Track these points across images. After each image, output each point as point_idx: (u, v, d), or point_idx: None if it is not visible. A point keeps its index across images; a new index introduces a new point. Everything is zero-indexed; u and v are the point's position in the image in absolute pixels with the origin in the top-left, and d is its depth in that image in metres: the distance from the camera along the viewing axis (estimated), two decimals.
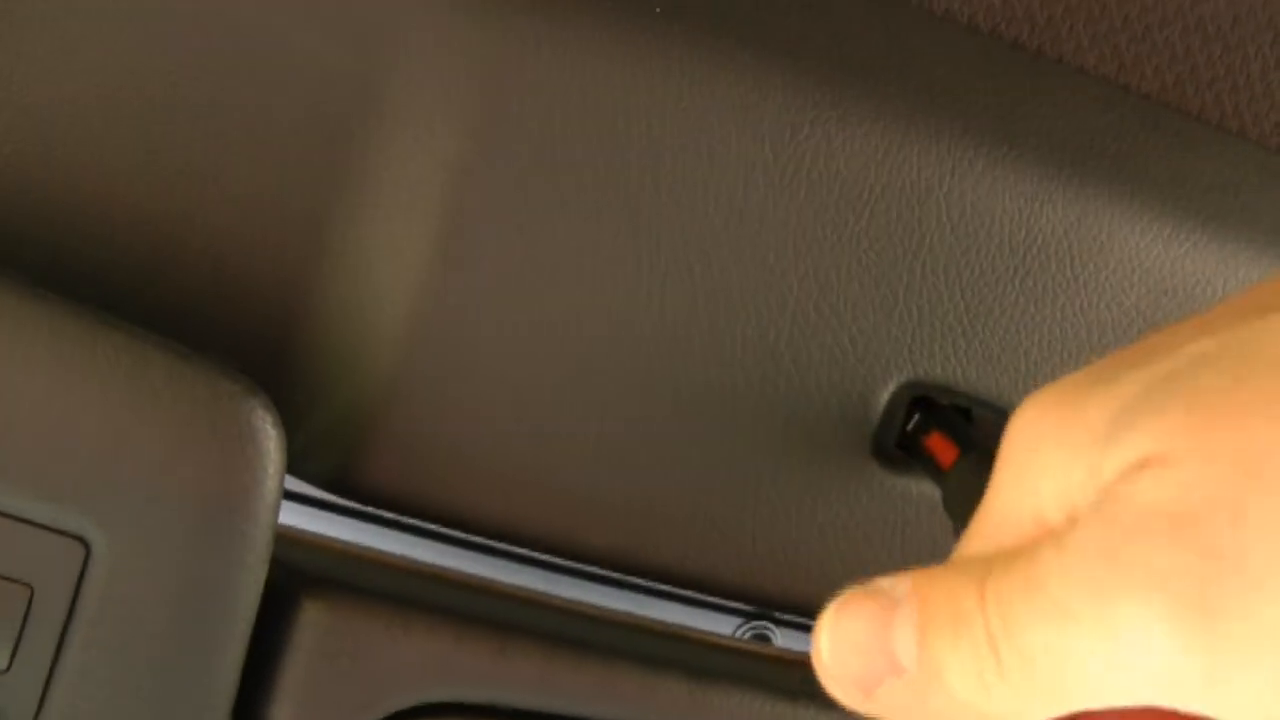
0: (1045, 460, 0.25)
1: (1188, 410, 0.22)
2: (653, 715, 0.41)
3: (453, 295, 0.38)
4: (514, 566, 0.44)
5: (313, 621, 0.38)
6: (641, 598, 0.46)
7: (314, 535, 0.43)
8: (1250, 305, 0.23)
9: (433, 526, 0.43)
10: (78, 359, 0.34)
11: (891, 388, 0.42)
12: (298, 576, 0.39)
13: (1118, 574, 0.22)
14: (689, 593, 0.45)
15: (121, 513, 0.34)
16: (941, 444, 0.41)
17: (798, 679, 0.44)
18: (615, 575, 0.45)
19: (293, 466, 0.40)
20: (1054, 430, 0.25)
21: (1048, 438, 0.25)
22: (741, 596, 0.43)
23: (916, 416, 0.42)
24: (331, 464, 0.40)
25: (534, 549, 0.42)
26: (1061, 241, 0.43)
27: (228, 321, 0.38)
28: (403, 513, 0.40)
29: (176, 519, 0.35)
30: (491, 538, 0.41)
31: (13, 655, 0.33)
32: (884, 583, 0.26)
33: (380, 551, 0.43)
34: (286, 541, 0.40)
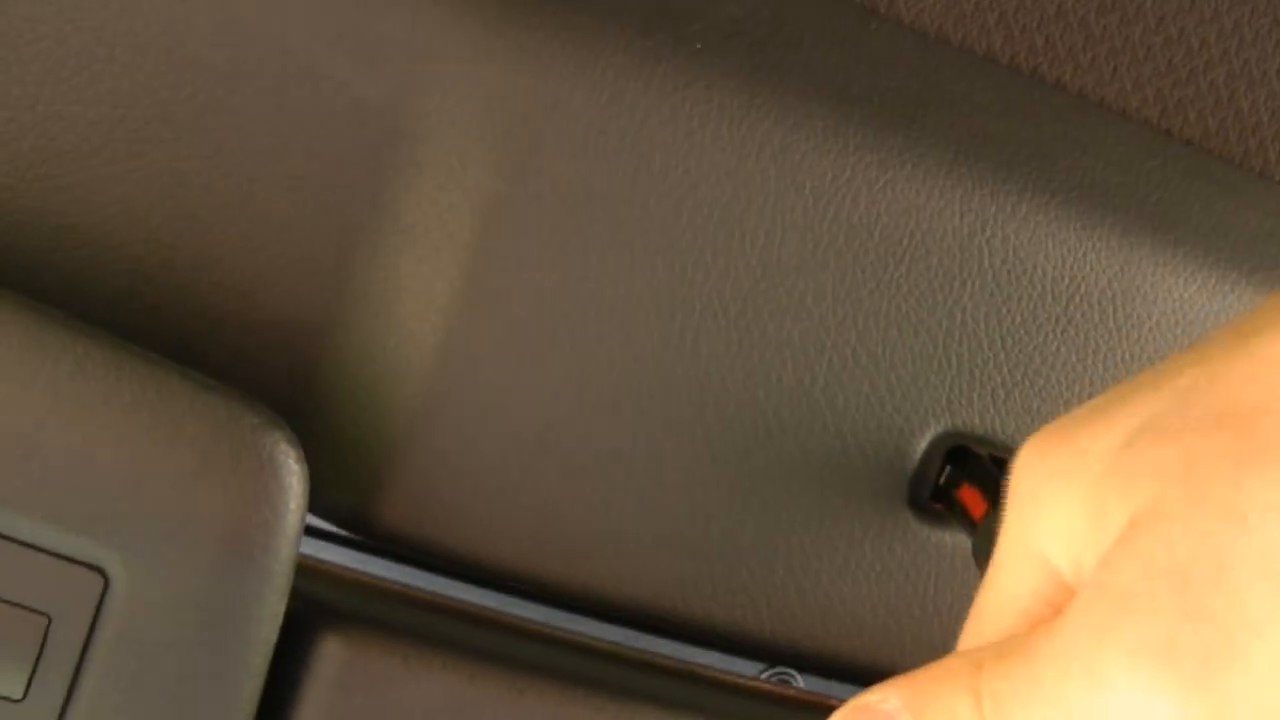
0: (1048, 505, 0.24)
1: (1177, 456, 0.22)
2: None
3: (478, 335, 0.38)
4: (534, 604, 0.43)
5: (331, 655, 0.38)
6: (662, 639, 0.46)
7: (332, 565, 0.42)
8: (1247, 329, 0.23)
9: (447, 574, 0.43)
10: (100, 388, 0.34)
11: (929, 438, 0.41)
12: (316, 609, 0.38)
13: (1113, 658, 0.22)
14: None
15: (141, 543, 0.34)
16: (972, 496, 0.41)
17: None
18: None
19: (311, 503, 0.40)
20: (1054, 471, 0.24)
21: (1049, 479, 0.25)
22: (769, 650, 0.43)
23: (949, 468, 0.42)
24: (348, 501, 0.40)
25: (554, 597, 0.41)
26: (1104, 291, 0.42)
27: (251, 354, 0.38)
28: (419, 553, 0.40)
29: (196, 551, 0.34)
30: (509, 583, 0.41)
31: (28, 685, 0.33)
32: (872, 697, 0.26)
33: (399, 584, 0.43)
34: (305, 572, 0.40)
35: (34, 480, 0.33)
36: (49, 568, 0.33)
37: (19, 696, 0.33)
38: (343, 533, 0.42)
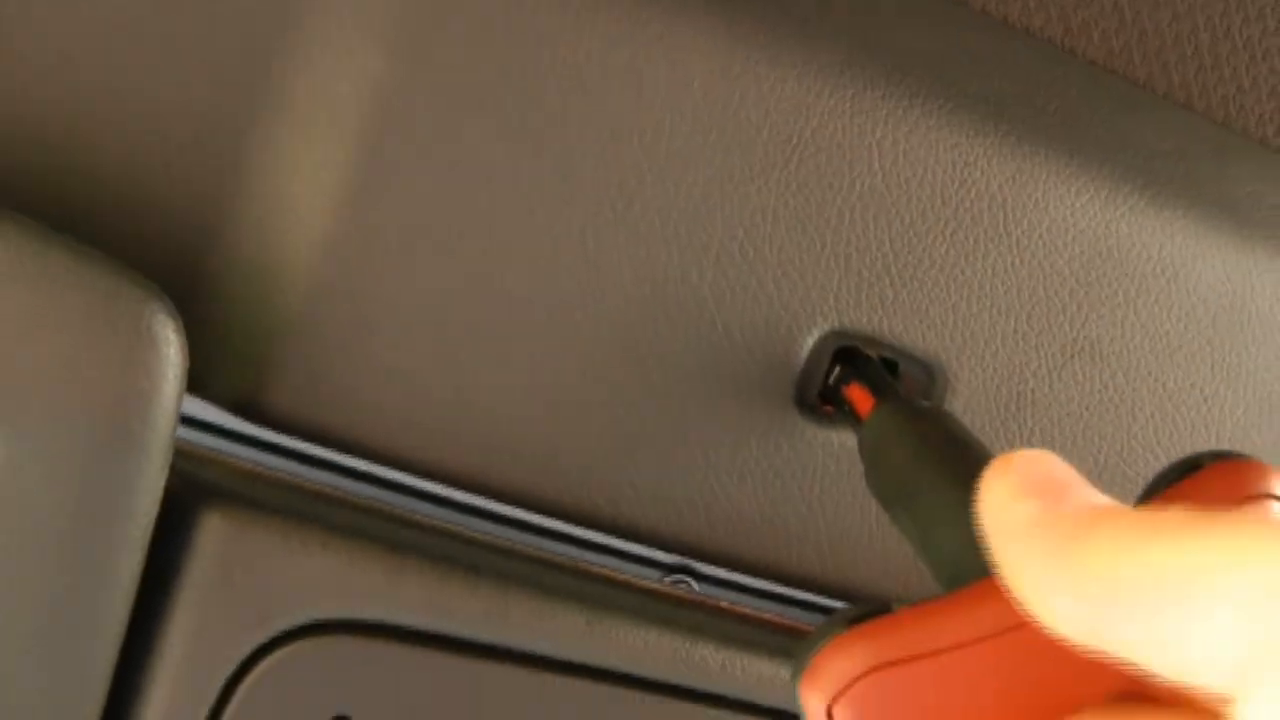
0: None
1: None
2: (546, 644, 0.41)
3: (368, 222, 0.38)
4: (416, 501, 0.44)
5: (211, 532, 0.38)
6: (551, 543, 0.47)
7: (215, 452, 0.43)
8: None
9: (338, 458, 0.43)
10: None
11: (815, 337, 0.42)
12: (197, 488, 0.39)
13: None
14: (602, 538, 0.45)
15: (16, 412, 0.34)
16: (860, 395, 0.42)
17: (701, 619, 0.45)
18: (529, 519, 0.46)
19: (199, 387, 0.41)
20: None
21: None
22: (657, 541, 0.44)
23: (838, 368, 0.43)
24: (238, 386, 0.40)
25: (441, 482, 0.42)
26: (996, 197, 0.43)
27: (138, 234, 0.38)
28: (308, 438, 0.41)
29: (74, 421, 0.35)
30: (398, 469, 0.42)
31: None
32: None
33: (282, 472, 0.43)
34: (187, 457, 0.40)
35: None
36: None
37: None
38: (229, 426, 0.42)
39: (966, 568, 0.31)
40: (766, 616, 0.48)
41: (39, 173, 0.38)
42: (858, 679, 0.27)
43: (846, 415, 0.43)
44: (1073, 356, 0.44)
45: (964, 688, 0.28)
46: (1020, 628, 0.28)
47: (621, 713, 0.42)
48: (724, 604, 0.48)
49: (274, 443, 0.47)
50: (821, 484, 0.44)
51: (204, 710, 0.39)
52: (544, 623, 0.41)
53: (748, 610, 0.49)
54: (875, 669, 0.27)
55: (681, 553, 0.44)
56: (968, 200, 0.43)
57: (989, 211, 0.43)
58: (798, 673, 0.29)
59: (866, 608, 0.29)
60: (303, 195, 0.38)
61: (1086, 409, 0.45)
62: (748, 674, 0.44)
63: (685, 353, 0.41)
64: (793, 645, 0.36)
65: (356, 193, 0.38)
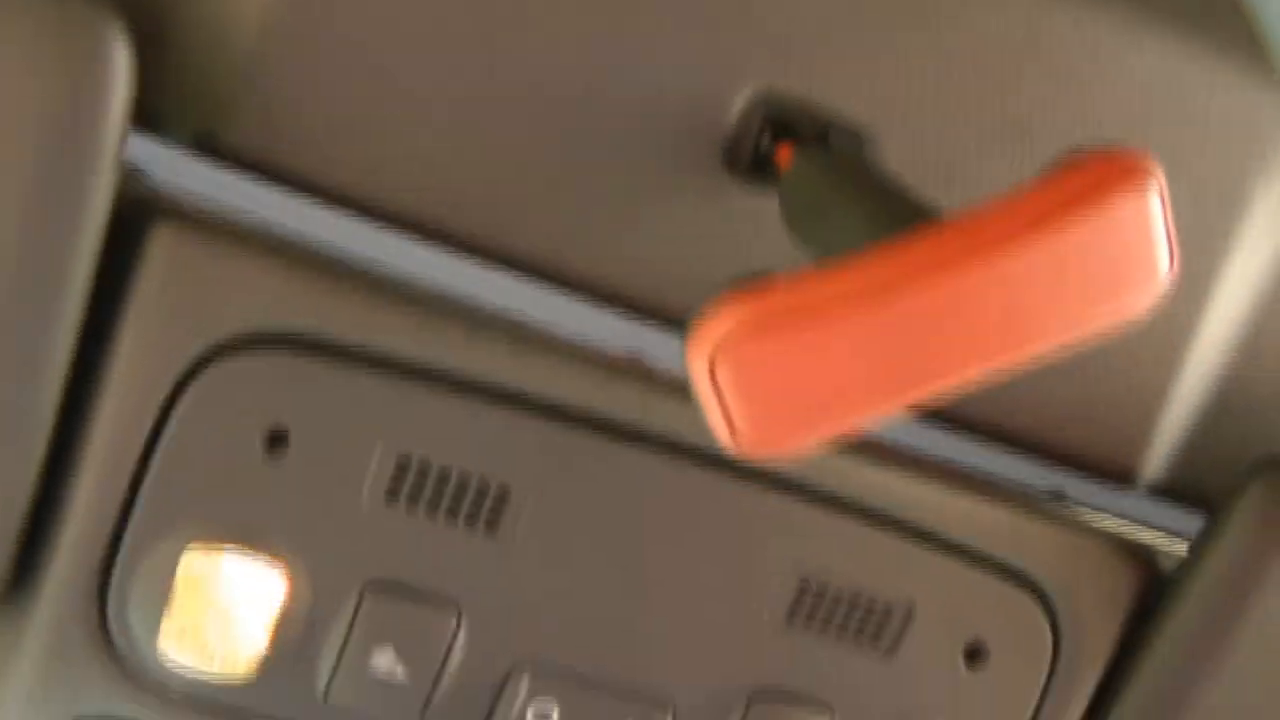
0: None
1: None
2: (475, 366, 0.44)
3: None
4: (369, 235, 0.46)
5: (157, 245, 0.41)
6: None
7: (165, 182, 0.45)
8: None
9: (292, 196, 0.46)
10: None
11: (745, 98, 0.43)
12: (145, 205, 0.41)
13: None
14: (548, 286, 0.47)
15: None
16: (787, 154, 0.43)
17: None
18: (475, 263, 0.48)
19: (158, 125, 0.43)
20: None
21: None
22: (591, 288, 0.46)
23: (769, 133, 0.44)
24: (197, 123, 0.42)
25: (391, 223, 0.44)
26: None
27: None
28: (265, 175, 0.43)
29: (20, 124, 0.37)
30: (351, 208, 0.44)
31: None
32: None
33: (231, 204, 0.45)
34: (136, 180, 0.43)
35: None
36: None
37: None
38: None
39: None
40: None
41: None
42: (737, 338, 0.29)
43: (773, 175, 0.44)
44: (1002, 133, 0.45)
45: (838, 353, 0.30)
46: (892, 294, 0.30)
47: (537, 440, 0.45)
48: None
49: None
50: (751, 246, 0.46)
51: (150, 417, 0.42)
52: (474, 347, 0.44)
53: None
54: (754, 328, 0.29)
55: (616, 302, 0.46)
56: None
57: None
58: (684, 340, 0.31)
59: (749, 280, 0.31)
60: None
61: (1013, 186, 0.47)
62: (678, 412, 0.46)
63: (616, 110, 0.43)
64: None
65: None
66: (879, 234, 0.33)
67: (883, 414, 0.32)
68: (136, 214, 0.41)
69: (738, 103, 0.44)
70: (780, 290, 0.30)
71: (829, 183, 0.40)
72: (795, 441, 0.32)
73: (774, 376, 0.30)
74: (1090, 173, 0.31)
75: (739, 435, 0.31)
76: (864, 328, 0.30)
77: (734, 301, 0.30)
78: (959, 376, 0.31)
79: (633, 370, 0.46)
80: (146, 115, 0.42)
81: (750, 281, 0.31)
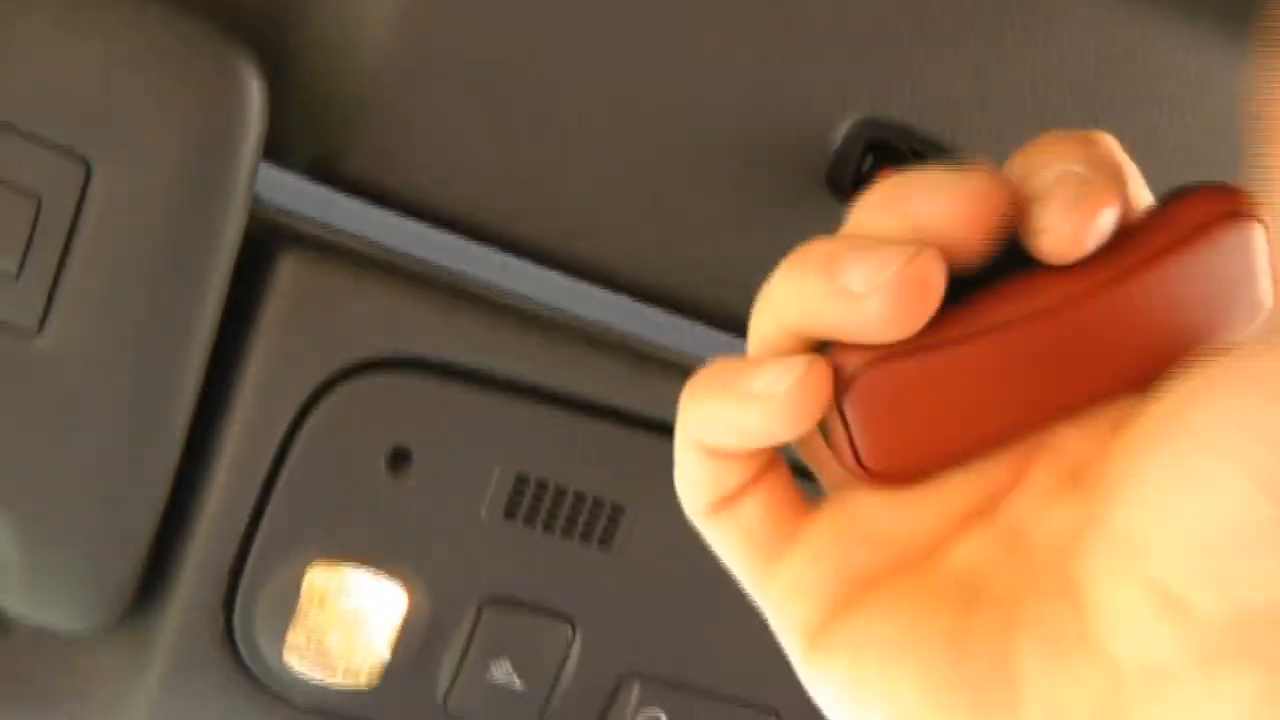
0: None
1: None
2: (589, 387, 0.45)
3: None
4: (478, 255, 0.48)
5: (286, 271, 0.43)
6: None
7: (291, 211, 0.47)
8: None
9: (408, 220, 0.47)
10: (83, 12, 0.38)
11: (848, 123, 0.45)
12: (274, 232, 0.43)
13: None
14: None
15: (119, 141, 0.38)
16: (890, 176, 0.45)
17: None
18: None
19: (278, 155, 0.45)
20: None
21: None
22: (694, 311, 0.47)
23: (871, 158, 0.46)
24: (314, 150, 0.44)
25: (505, 248, 0.46)
26: None
27: (228, 5, 0.42)
28: (381, 203, 0.45)
29: (167, 156, 0.39)
30: (462, 233, 0.46)
31: (22, 261, 0.38)
32: None
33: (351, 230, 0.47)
34: (266, 206, 0.44)
35: (24, 77, 0.37)
36: (37, 153, 0.37)
37: (14, 272, 0.38)
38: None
39: None
40: None
41: None
42: (864, 370, 0.31)
43: None
44: None
45: (966, 380, 0.32)
46: (1017, 324, 0.31)
47: (650, 458, 0.46)
48: None
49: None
50: None
51: (277, 437, 0.44)
52: (588, 366, 0.45)
53: None
54: (879, 360, 0.31)
55: (726, 323, 0.48)
56: None
57: (1029, 7, 0.45)
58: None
59: None
60: None
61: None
62: None
63: (722, 135, 0.45)
64: None
65: None
66: None
67: (1003, 443, 0.33)
68: (264, 240, 0.43)
69: (842, 127, 0.45)
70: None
71: None
72: (919, 471, 0.33)
73: (899, 406, 0.32)
74: (1199, 209, 0.33)
75: (865, 464, 0.33)
76: (991, 362, 0.32)
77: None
78: (1076, 404, 0.33)
79: None
80: (268, 147, 0.44)
81: None
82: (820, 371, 0.30)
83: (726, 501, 0.32)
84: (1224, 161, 0.49)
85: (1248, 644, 0.24)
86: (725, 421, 0.30)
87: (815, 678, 0.31)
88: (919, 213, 0.29)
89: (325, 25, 0.43)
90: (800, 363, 0.30)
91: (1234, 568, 0.25)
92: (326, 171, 0.44)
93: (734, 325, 0.48)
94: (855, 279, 0.29)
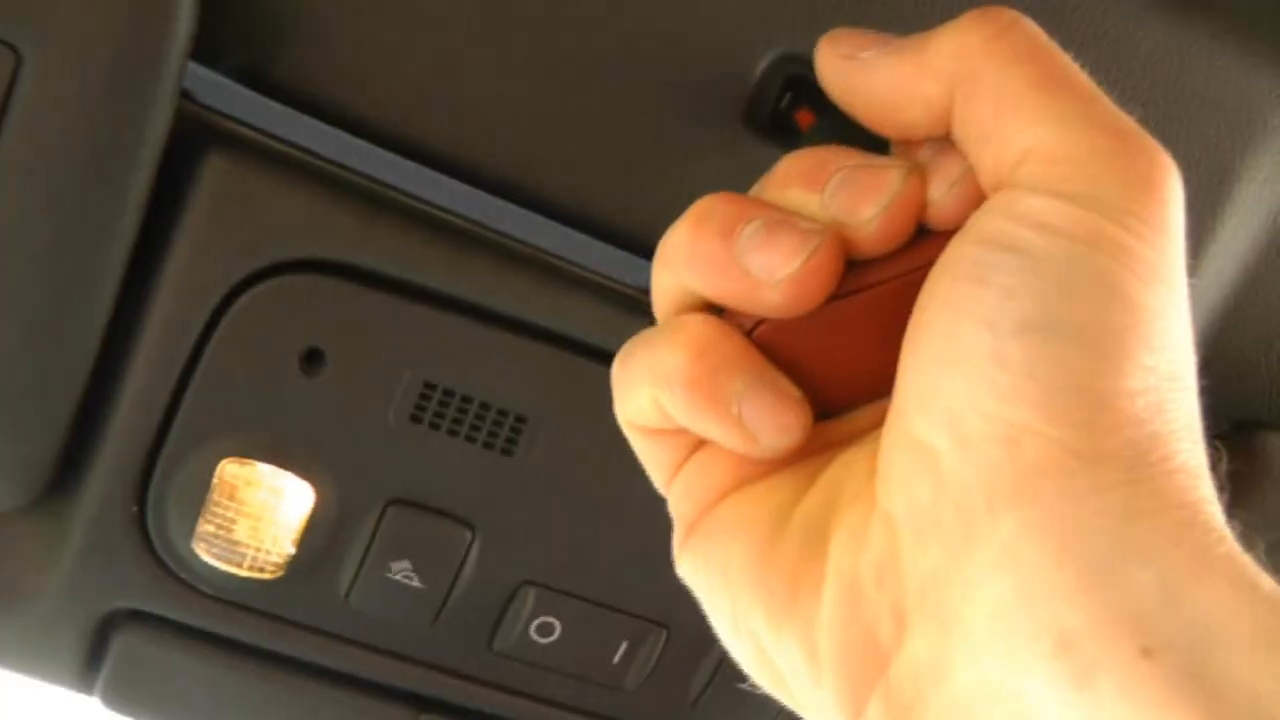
0: None
1: None
2: (501, 302, 0.47)
3: None
4: (406, 169, 0.49)
5: (210, 169, 0.44)
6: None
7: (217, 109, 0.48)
8: None
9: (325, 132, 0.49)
10: None
11: (768, 59, 0.46)
12: (203, 128, 0.44)
13: None
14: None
15: (49, 29, 0.40)
16: (807, 117, 0.46)
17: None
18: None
19: (211, 56, 0.46)
20: None
21: None
22: (610, 231, 0.49)
23: (789, 94, 0.47)
24: (245, 55, 0.45)
25: (425, 160, 0.47)
26: None
27: None
28: (308, 109, 0.46)
29: (98, 43, 0.40)
30: (390, 145, 0.47)
31: None
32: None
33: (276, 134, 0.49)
34: (197, 104, 0.46)
35: None
36: None
37: None
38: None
39: None
40: None
41: None
42: (761, 330, 0.33)
43: (792, 136, 0.47)
44: None
45: (848, 333, 0.34)
46: (893, 282, 0.33)
47: (555, 371, 0.48)
48: None
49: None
50: None
51: (195, 331, 0.46)
52: (499, 280, 0.47)
53: None
54: (775, 321, 0.33)
55: (633, 244, 0.49)
56: None
57: None
58: None
59: None
60: None
61: None
62: None
63: (640, 62, 0.45)
64: None
65: None
66: None
67: (880, 389, 0.35)
68: (192, 138, 0.45)
69: (760, 63, 0.46)
70: None
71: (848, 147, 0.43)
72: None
73: (791, 356, 0.34)
74: None
75: None
76: (864, 314, 0.34)
77: None
78: None
79: (646, 306, 0.49)
80: (199, 46, 0.45)
81: None
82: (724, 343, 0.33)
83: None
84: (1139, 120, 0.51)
85: (995, 484, 0.27)
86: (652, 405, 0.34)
87: (683, 569, 0.34)
88: (838, 204, 0.32)
89: None
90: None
91: (961, 402, 0.28)
92: (256, 77, 0.46)
93: (643, 249, 0.49)
94: (756, 264, 0.31)
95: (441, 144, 0.46)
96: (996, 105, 0.30)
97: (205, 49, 0.45)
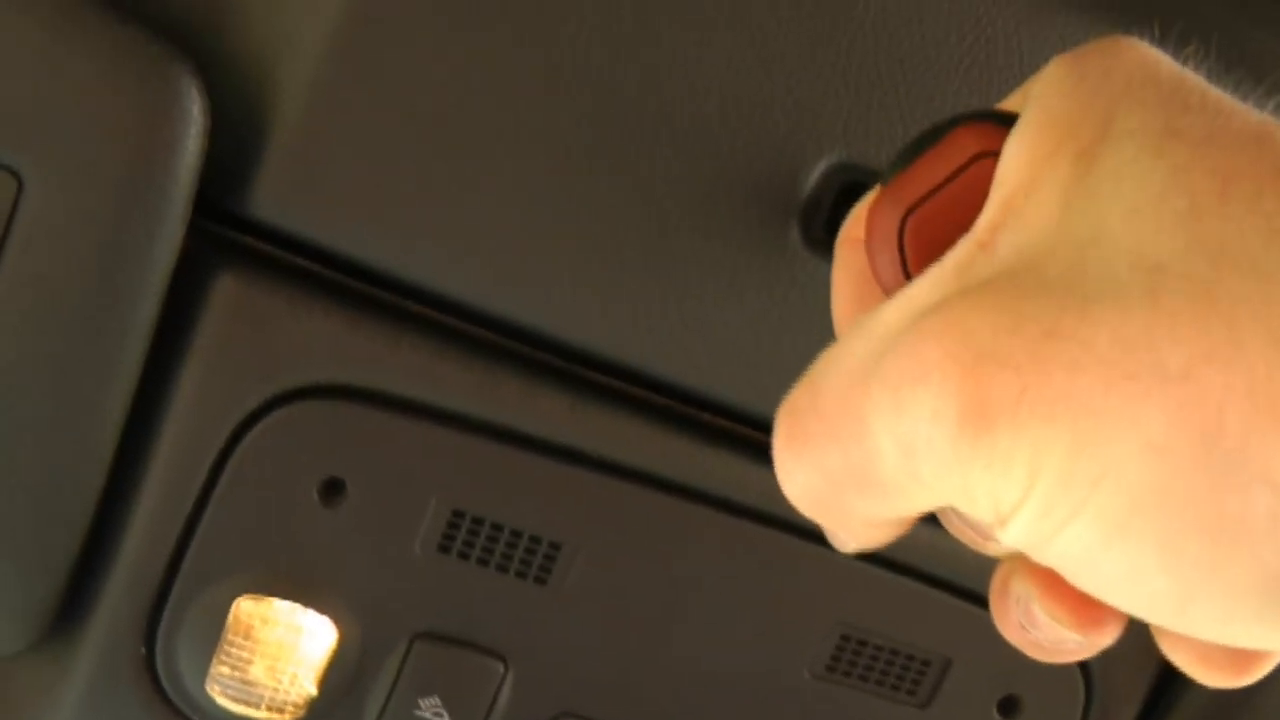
0: None
1: None
2: (530, 422, 0.44)
3: (372, 31, 0.39)
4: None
5: (224, 290, 0.41)
6: None
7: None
8: None
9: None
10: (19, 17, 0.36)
11: (821, 168, 0.44)
12: (214, 248, 0.42)
13: None
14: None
15: (54, 154, 0.37)
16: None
17: (686, 412, 0.47)
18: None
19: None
20: None
21: None
22: (657, 386, 0.46)
23: (844, 203, 0.44)
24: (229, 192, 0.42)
25: (439, 310, 0.44)
26: (1012, 38, 0.44)
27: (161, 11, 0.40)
28: (284, 245, 0.43)
29: (105, 167, 0.38)
30: (386, 287, 0.44)
31: None
32: None
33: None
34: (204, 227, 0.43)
35: None
36: None
37: None
38: None
39: None
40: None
41: None
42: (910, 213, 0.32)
43: None
44: None
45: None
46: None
47: (600, 497, 0.46)
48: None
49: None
50: (825, 319, 0.46)
51: (208, 462, 0.43)
52: (530, 402, 0.44)
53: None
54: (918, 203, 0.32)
55: (682, 395, 0.47)
56: (984, 38, 0.44)
57: (1004, 51, 0.44)
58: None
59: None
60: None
61: None
62: (729, 470, 0.47)
63: (686, 178, 0.43)
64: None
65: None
66: None
67: None
68: (200, 257, 0.42)
69: (814, 173, 0.44)
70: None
71: None
72: None
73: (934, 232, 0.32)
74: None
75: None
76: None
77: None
78: None
79: (682, 423, 0.47)
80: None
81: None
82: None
83: None
84: None
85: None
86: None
87: None
88: None
89: (259, 38, 0.41)
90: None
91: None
92: (227, 207, 0.43)
93: (685, 398, 0.46)
94: None
95: (469, 295, 0.44)
96: None
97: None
